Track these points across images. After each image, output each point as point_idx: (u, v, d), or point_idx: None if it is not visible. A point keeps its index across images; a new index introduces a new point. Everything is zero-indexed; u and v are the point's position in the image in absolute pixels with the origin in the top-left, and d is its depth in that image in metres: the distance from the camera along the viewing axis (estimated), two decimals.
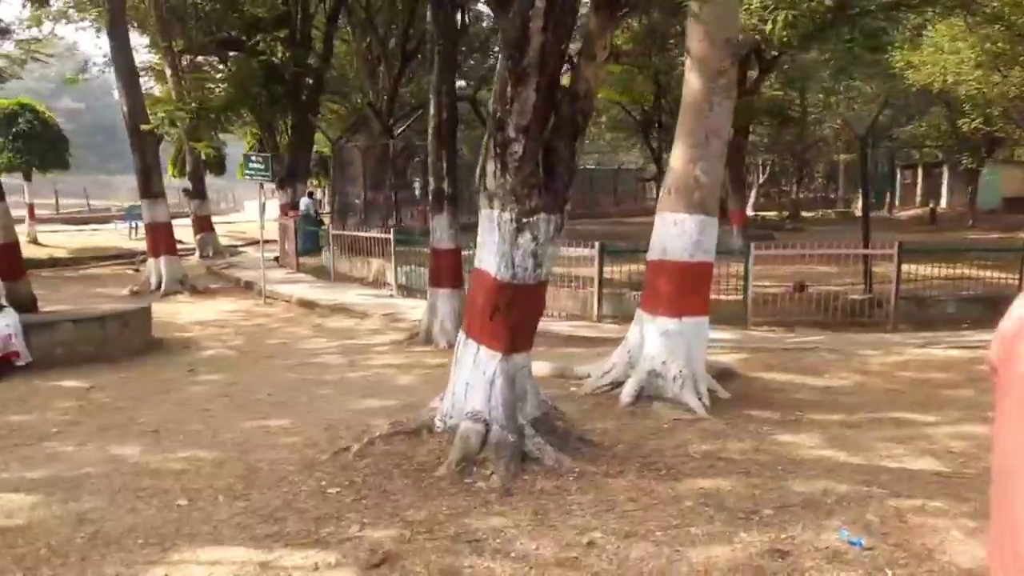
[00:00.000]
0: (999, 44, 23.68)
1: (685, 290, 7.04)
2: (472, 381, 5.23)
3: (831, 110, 33.07)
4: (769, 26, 12.13)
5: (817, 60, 25.42)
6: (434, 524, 4.17)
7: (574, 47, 5.23)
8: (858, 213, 38.25)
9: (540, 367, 8.31)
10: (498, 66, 4.91)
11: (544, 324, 11.09)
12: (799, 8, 15.84)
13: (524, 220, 4.99)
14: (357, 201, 21.79)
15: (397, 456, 5.11)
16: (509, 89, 4.79)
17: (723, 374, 7.97)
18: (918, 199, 39.82)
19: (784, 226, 29.16)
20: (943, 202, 38.27)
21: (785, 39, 13.23)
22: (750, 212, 36.52)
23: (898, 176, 42.96)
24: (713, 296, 11.97)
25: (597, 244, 11.19)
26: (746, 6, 14.87)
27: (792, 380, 8.04)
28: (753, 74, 19.69)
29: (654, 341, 7.04)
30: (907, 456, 5.59)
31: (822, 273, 14.21)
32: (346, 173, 22.66)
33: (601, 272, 11.16)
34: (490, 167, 5.00)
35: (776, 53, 18.43)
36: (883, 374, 8.31)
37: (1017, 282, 12.02)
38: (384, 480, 4.79)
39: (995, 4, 20.97)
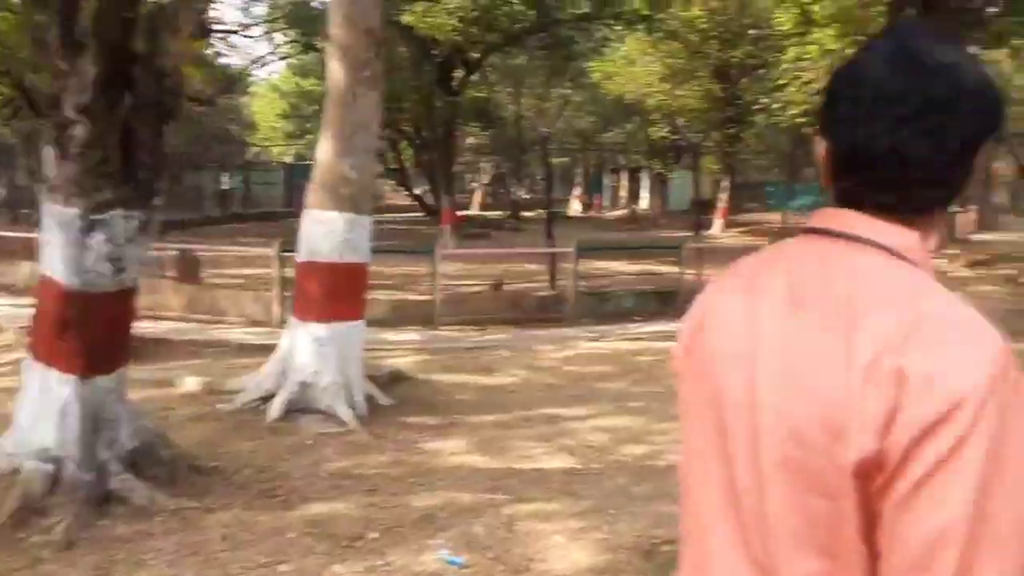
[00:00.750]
0: (679, 59, 26.16)
1: (337, 293, 6.57)
2: (41, 412, 4.34)
3: (545, 115, 34.69)
4: (409, 17, 12.10)
5: (530, 66, 26.49)
6: None
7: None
8: (570, 213, 40.63)
9: (189, 383, 7.46)
10: (49, 36, 4.09)
11: (216, 333, 10.24)
12: (493, 12, 16.18)
13: (95, 217, 4.21)
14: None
15: None
16: (63, 62, 3.99)
17: (393, 379, 7.65)
18: (623, 201, 43.12)
19: (503, 225, 30.03)
20: (644, 203, 41.77)
21: (424, 28, 13.28)
22: (475, 212, 37.46)
23: (606, 180, 46.27)
24: (403, 296, 11.81)
25: (276, 244, 10.45)
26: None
27: (463, 381, 7.90)
28: (459, 74, 19.86)
29: (305, 349, 6.50)
30: (544, 455, 5.54)
31: (528, 271, 14.55)
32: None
33: (282, 274, 10.43)
34: (48, 153, 4.17)
35: (478, 55, 18.72)
36: (550, 369, 8.46)
37: (686, 275, 13.07)
38: None
39: (674, 22, 23.07)
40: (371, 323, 10.19)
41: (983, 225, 27.90)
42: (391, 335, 9.72)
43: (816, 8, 12.80)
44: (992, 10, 13.36)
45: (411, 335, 9.96)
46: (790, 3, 14.05)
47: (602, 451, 5.64)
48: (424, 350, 9.27)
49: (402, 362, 8.43)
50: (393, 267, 14.21)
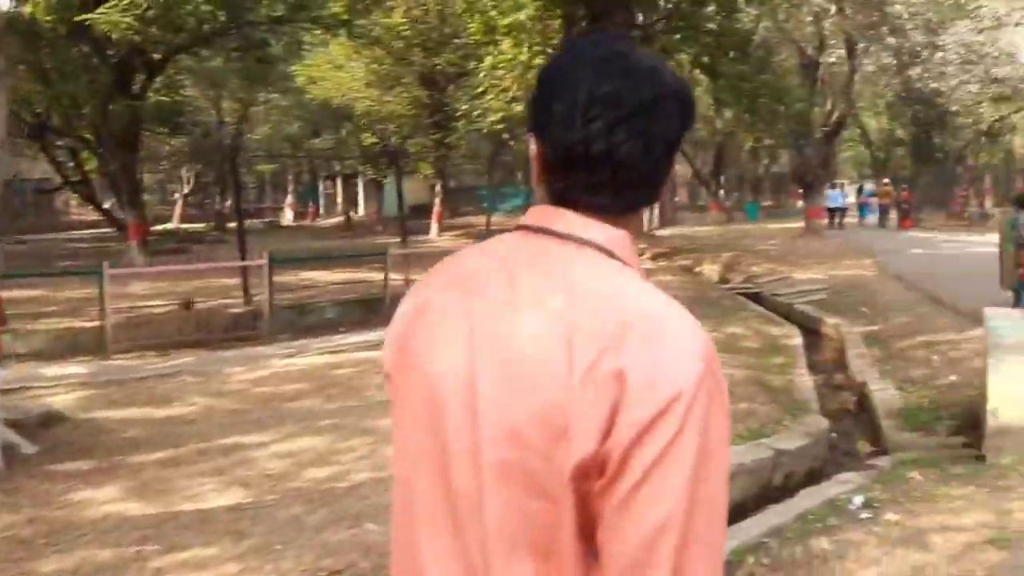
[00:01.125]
0: (385, 65, 26.18)
1: None
2: None
3: (247, 120, 33.06)
4: (29, 8, 11.01)
5: (227, 69, 24.98)
6: None
7: None
8: (283, 222, 39.24)
9: None
10: None
11: None
12: (177, 11, 14.98)
13: None
14: None
15: None
16: None
17: (46, 421, 6.70)
18: (339, 208, 42.47)
19: (205, 238, 28.17)
20: (361, 210, 41.47)
21: (48, 21, 12.14)
22: (175, 224, 34.81)
23: (321, 187, 45.32)
24: (71, 324, 10.49)
25: None
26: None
27: (133, 415, 7.09)
28: (141, 77, 18.19)
29: None
30: (213, 492, 5.07)
31: (225, 287, 13.56)
32: None
33: None
34: None
35: (161, 56, 17.28)
36: (238, 393, 7.89)
37: (392, 282, 13.00)
38: None
39: (377, 29, 23.00)
40: (26, 357, 8.99)
41: (665, 221, 31.17)
42: (52, 370, 8.55)
43: (499, 19, 13.35)
44: (657, 28, 14.80)
45: (77, 368, 8.83)
46: (476, 13, 14.53)
47: (280, 479, 5.29)
48: (91, 384, 8.21)
49: (61, 400, 7.42)
50: (68, 291, 12.62)
